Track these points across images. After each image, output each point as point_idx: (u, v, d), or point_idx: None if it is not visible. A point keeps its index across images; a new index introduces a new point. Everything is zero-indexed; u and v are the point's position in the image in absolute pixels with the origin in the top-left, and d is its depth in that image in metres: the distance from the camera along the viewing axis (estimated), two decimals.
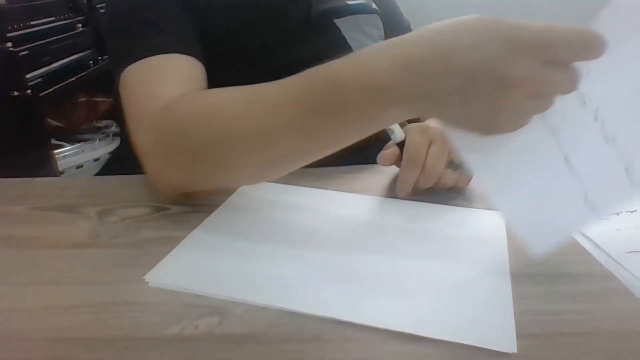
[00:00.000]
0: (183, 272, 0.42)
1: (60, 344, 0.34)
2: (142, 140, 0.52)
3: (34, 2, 1.26)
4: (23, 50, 1.15)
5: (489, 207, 0.53)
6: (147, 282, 0.40)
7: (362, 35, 0.77)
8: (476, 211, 0.53)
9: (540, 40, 0.35)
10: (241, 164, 0.48)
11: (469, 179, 0.57)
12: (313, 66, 0.72)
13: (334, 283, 0.40)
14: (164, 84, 0.56)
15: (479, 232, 0.49)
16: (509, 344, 0.33)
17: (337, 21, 0.74)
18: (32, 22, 1.23)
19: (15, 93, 1.14)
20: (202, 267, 0.43)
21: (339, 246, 0.46)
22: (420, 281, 0.41)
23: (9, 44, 1.13)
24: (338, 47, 0.74)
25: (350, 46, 0.74)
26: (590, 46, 0.35)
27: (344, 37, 0.74)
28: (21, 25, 1.18)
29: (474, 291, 0.40)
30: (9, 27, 1.14)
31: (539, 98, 0.37)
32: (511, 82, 0.35)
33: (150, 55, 0.58)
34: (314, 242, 0.46)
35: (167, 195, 0.54)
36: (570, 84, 0.37)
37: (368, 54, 0.41)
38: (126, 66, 0.58)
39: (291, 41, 0.70)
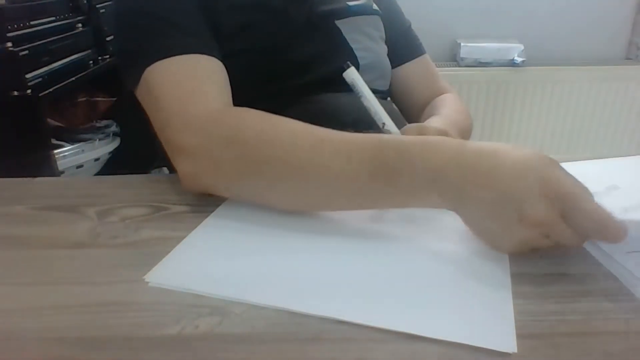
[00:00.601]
0: (183, 272, 0.42)
1: (60, 344, 0.34)
2: (185, 139, 0.52)
3: (34, 2, 1.26)
4: (23, 50, 1.14)
5: None
6: (147, 282, 0.40)
7: (362, 36, 0.77)
8: None
9: (570, 199, 0.39)
10: (287, 191, 0.49)
11: None
12: (314, 67, 0.72)
13: (334, 283, 0.40)
14: (204, 85, 0.57)
15: None
16: (509, 344, 0.33)
17: (338, 22, 0.74)
18: (32, 22, 1.22)
19: (15, 93, 1.13)
20: (202, 267, 0.43)
21: (338, 246, 0.46)
22: (420, 281, 0.41)
23: (9, 44, 1.12)
24: (339, 48, 0.74)
25: (351, 47, 0.74)
26: (606, 234, 0.39)
27: (344, 38, 0.74)
28: (21, 25, 1.18)
29: (474, 291, 0.40)
30: (9, 27, 1.14)
31: (545, 238, 0.41)
32: (528, 219, 0.39)
33: (178, 55, 0.57)
34: (314, 242, 0.46)
35: (190, 191, 0.55)
36: (574, 243, 0.41)
37: (441, 143, 0.45)
38: (149, 63, 0.57)
39: (293, 42, 0.70)
